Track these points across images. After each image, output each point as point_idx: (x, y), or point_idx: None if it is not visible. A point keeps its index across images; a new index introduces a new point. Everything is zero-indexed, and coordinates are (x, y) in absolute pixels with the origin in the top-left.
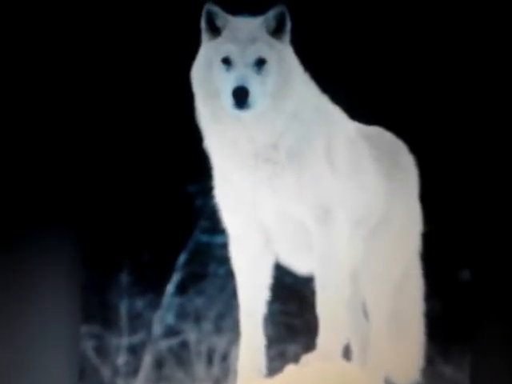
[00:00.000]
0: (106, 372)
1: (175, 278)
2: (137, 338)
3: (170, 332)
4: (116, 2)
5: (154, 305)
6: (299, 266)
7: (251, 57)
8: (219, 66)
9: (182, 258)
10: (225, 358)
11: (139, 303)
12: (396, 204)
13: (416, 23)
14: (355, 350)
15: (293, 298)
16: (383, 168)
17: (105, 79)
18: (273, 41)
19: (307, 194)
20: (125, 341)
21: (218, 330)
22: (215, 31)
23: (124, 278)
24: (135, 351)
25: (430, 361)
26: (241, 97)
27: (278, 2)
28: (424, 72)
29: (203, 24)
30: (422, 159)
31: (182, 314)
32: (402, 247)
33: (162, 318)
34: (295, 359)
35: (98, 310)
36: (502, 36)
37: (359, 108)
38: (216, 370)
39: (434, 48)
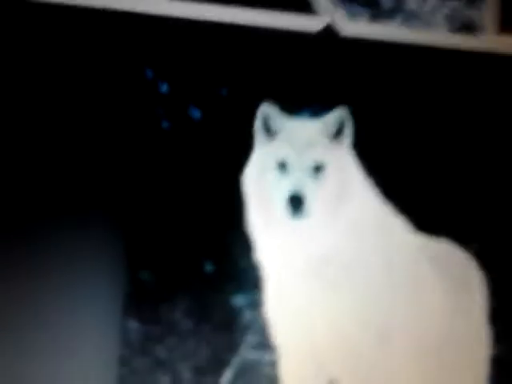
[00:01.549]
0: None
1: None
2: None
3: None
4: None
5: None
6: None
7: (308, 162)
8: (274, 171)
9: (227, 376)
10: None
11: None
12: (462, 325)
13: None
14: None
15: None
16: (449, 286)
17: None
18: (332, 145)
19: (363, 313)
20: None
21: None
22: (270, 133)
23: None
24: None
25: None
26: (296, 204)
27: (339, 103)
28: (501, 179)
29: (258, 126)
30: (492, 277)
31: None
32: (470, 373)
33: None
34: None
35: None
36: None
37: (426, 219)
38: None
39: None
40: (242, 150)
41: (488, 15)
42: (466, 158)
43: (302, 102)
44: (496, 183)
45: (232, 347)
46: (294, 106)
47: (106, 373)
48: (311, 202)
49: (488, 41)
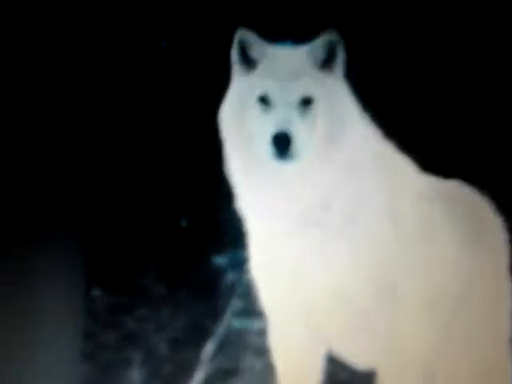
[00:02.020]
0: None
1: (199, 374)
2: None
3: None
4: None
5: None
6: (357, 358)
7: (295, 95)
8: (255, 107)
9: (209, 348)
10: None
11: None
12: (480, 280)
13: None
14: None
15: None
16: (463, 234)
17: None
18: (321, 75)
19: (366, 266)
20: None
21: None
22: (250, 64)
23: (134, 374)
24: None
25: None
26: (282, 145)
27: (327, 27)
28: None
29: (235, 55)
30: None
31: None
32: (489, 335)
33: None
34: None
35: None
36: None
37: (433, 157)
38: None
39: None
40: (218, 85)
41: None
42: (476, 89)
43: (285, 27)
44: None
45: (214, 315)
46: (276, 32)
47: (70, 348)
48: (300, 142)
49: None
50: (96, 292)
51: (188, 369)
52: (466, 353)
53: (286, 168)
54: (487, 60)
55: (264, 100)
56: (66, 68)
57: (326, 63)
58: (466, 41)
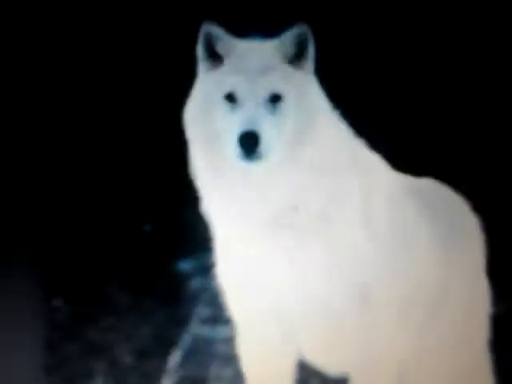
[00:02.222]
0: None
1: (166, 383)
2: None
3: None
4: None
5: None
6: (330, 364)
7: (263, 91)
8: (221, 105)
9: (175, 357)
10: None
11: None
12: (456, 281)
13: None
14: None
15: None
16: (438, 234)
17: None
18: (291, 71)
19: (338, 269)
20: None
21: None
22: (216, 60)
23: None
24: None
25: None
26: (249, 145)
27: (297, 20)
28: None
29: (200, 51)
30: (489, 221)
31: None
32: (467, 336)
33: None
34: None
35: None
36: None
37: (405, 155)
38: None
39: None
40: (184, 82)
41: None
42: (450, 83)
43: (252, 21)
44: (483, 110)
45: (179, 323)
46: (244, 26)
47: (32, 361)
48: (268, 141)
49: None
50: (57, 303)
51: (154, 379)
52: (442, 354)
53: (254, 168)
54: (458, 54)
55: (231, 97)
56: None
57: (296, 58)
58: (435, 35)
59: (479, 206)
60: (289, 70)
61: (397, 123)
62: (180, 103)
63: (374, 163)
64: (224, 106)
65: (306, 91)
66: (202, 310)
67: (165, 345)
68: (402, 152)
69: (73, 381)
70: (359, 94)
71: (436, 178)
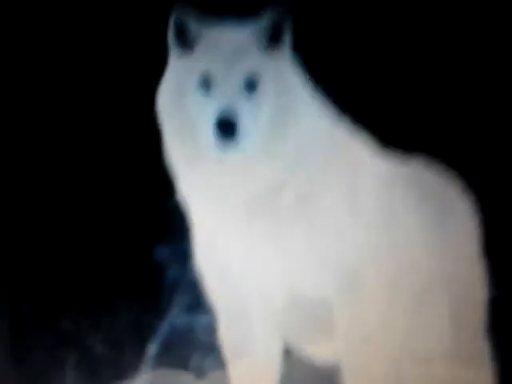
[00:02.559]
0: None
1: (143, 376)
2: None
3: None
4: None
5: None
6: (317, 352)
7: (239, 75)
8: (195, 91)
9: (152, 348)
10: None
11: None
12: (450, 266)
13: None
14: None
15: None
16: (429, 216)
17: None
18: (268, 54)
19: (324, 253)
20: None
21: None
22: (188, 44)
23: (70, 378)
24: None
25: None
26: (226, 131)
27: (273, 1)
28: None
29: (171, 35)
30: (484, 202)
31: None
32: (460, 321)
33: None
34: None
35: None
36: None
37: (394, 133)
38: None
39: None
40: (155, 68)
41: None
42: (438, 52)
43: (227, 2)
44: (477, 83)
45: (157, 312)
46: (217, 8)
47: None
48: (245, 127)
49: None
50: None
51: (131, 371)
52: (436, 341)
53: (231, 157)
54: (443, 33)
55: (205, 83)
56: None
57: (273, 40)
58: (419, 15)
59: (473, 186)
60: (265, 52)
61: (385, 99)
62: (152, 91)
63: (360, 146)
64: (198, 91)
65: (283, 73)
66: (180, 299)
67: (141, 335)
68: (390, 129)
69: (43, 372)
70: (341, 74)
71: (427, 156)
